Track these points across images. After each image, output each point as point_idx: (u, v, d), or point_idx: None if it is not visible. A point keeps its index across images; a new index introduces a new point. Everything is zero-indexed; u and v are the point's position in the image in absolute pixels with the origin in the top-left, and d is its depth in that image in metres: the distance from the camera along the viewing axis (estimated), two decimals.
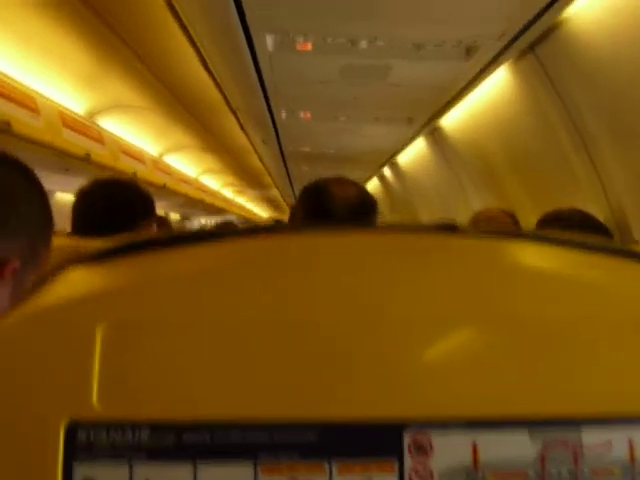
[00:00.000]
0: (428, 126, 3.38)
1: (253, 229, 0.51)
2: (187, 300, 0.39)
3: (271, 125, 3.47)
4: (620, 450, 0.39)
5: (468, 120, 3.02)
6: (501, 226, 2.29)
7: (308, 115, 3.18)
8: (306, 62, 2.28)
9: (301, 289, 0.39)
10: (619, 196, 2.07)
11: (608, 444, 0.39)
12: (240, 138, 5.16)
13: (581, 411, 0.38)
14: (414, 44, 2.09)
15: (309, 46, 2.11)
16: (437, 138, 3.60)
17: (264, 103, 2.94)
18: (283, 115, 3.18)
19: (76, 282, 0.43)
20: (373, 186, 6.36)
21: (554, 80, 2.11)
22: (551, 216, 1.74)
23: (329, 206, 1.29)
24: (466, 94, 2.68)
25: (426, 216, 4.72)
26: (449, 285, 0.39)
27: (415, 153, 4.19)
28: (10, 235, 0.59)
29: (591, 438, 0.38)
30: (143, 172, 5.79)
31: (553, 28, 1.92)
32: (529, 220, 2.79)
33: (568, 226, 1.63)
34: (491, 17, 1.84)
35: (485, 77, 2.41)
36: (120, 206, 1.33)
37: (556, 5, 1.71)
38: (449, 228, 0.50)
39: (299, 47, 2.12)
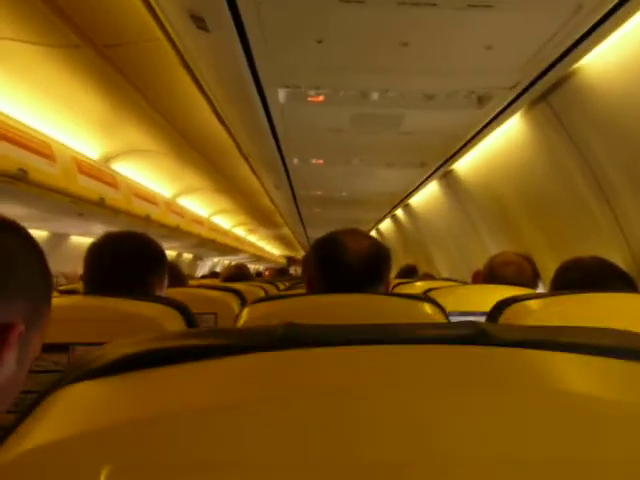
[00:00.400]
0: (441, 170, 3.38)
1: (276, 340, 0.46)
2: (208, 439, 0.34)
3: (283, 171, 3.48)
4: None
5: (481, 165, 3.01)
6: (519, 271, 2.26)
7: (320, 161, 3.19)
8: (317, 112, 2.29)
9: (333, 421, 0.35)
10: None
11: None
12: (252, 181, 5.20)
13: None
14: (425, 95, 2.09)
15: (321, 98, 2.12)
16: (450, 181, 3.59)
17: (276, 150, 2.95)
18: (295, 162, 3.19)
19: (74, 408, 0.39)
20: (385, 227, 6.35)
21: (568, 128, 2.09)
22: (570, 264, 1.69)
23: (342, 258, 1.27)
24: (479, 141, 2.67)
25: (440, 257, 4.68)
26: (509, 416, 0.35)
27: (428, 195, 4.18)
28: (11, 299, 0.58)
29: None
30: (156, 214, 5.82)
31: (566, 77, 1.92)
32: (546, 264, 2.76)
33: (588, 275, 1.58)
34: (504, 69, 1.84)
35: (497, 125, 2.41)
36: (129, 260, 1.32)
37: (568, 57, 1.70)
38: (479, 335, 0.46)
39: (311, 99, 2.13)
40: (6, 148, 2.99)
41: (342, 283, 1.22)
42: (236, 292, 2.07)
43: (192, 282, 3.23)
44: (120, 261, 1.31)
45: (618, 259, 2.05)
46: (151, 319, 1.15)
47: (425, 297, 1.38)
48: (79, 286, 2.12)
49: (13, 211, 3.67)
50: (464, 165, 3.21)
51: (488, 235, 3.42)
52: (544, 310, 1.29)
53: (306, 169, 3.39)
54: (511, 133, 2.51)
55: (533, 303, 1.30)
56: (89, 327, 1.15)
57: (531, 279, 2.34)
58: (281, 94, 2.10)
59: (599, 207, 2.15)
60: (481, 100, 2.15)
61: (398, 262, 4.93)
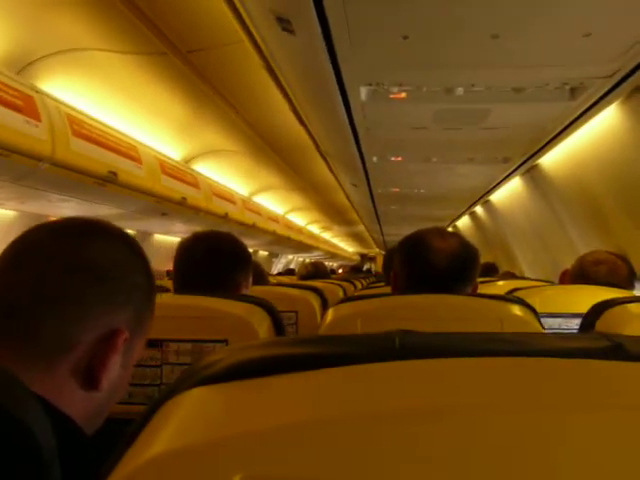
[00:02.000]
0: (525, 165, 3.24)
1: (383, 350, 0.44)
2: (334, 451, 0.33)
3: (361, 169, 3.46)
4: None
5: (570, 159, 2.86)
6: (612, 270, 2.13)
7: (399, 158, 3.14)
8: (399, 109, 2.25)
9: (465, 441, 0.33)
10: None
11: None
12: (329, 179, 5.21)
13: None
14: (513, 88, 2.01)
15: (403, 95, 2.09)
16: (535, 177, 3.44)
17: (355, 148, 2.93)
18: (374, 159, 3.16)
19: (196, 414, 0.38)
20: (463, 224, 6.20)
21: None
22: None
23: (429, 257, 1.24)
24: (569, 134, 2.54)
25: (523, 254, 4.51)
26: None
27: (510, 191, 4.03)
28: (121, 307, 0.61)
29: None
30: (234, 212, 5.96)
31: None
32: None
33: None
34: (601, 57, 1.74)
35: (591, 116, 2.28)
36: (219, 260, 1.35)
37: None
38: (615, 349, 0.42)
39: (393, 96, 2.10)
40: (97, 152, 3.15)
41: (428, 283, 1.19)
42: (315, 290, 2.08)
43: (271, 280, 3.27)
44: (210, 260, 1.34)
45: None
46: (239, 317, 1.17)
47: (515, 298, 1.33)
48: (165, 283, 2.19)
49: (102, 211, 3.87)
50: (551, 160, 3.06)
51: (576, 233, 3.26)
52: None
53: (385, 166, 3.35)
54: (605, 125, 2.36)
55: (636, 306, 1.22)
56: (180, 324, 1.18)
57: (626, 279, 2.20)
58: (363, 92, 2.08)
59: None
60: (574, 91, 2.04)
61: None
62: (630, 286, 2.35)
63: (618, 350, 0.41)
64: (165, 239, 6.35)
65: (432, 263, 1.22)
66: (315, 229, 12.31)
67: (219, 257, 1.35)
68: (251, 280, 1.49)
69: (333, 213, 9.86)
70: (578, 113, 2.24)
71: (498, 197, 4.40)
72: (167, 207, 4.44)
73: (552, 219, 3.50)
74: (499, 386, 0.37)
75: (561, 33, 1.56)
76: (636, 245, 2.60)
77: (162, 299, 1.40)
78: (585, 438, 0.31)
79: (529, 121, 2.36)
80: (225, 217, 5.66)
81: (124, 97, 3.51)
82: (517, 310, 1.18)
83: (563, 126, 2.41)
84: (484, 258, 4.81)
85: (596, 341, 0.43)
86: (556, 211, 3.40)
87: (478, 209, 5.22)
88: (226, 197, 5.97)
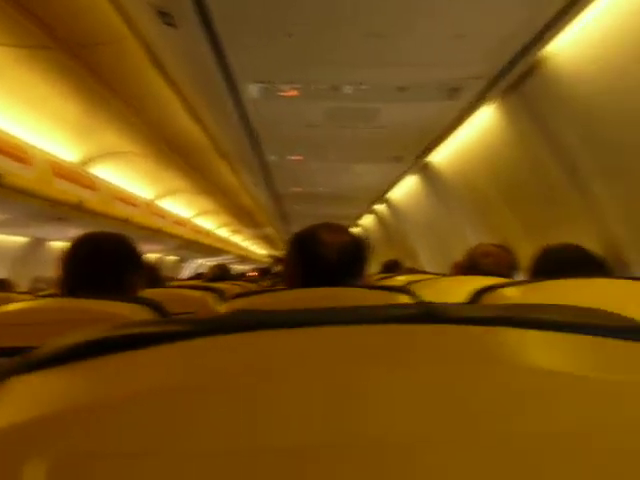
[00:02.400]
0: (418, 163, 3.39)
1: (225, 324, 0.45)
2: (131, 427, 0.34)
3: (261, 168, 3.47)
4: None
5: (458, 156, 3.03)
6: (497, 261, 2.28)
7: (298, 157, 3.18)
8: (291, 107, 2.28)
9: (261, 405, 0.35)
10: (612, 229, 2.05)
11: None
12: (232, 180, 5.18)
13: None
14: (398, 87, 2.10)
15: (294, 92, 2.12)
16: (428, 174, 3.61)
17: (252, 148, 2.94)
18: (272, 158, 3.19)
19: (12, 400, 0.39)
20: (368, 222, 6.37)
21: (540, 117, 2.11)
22: (546, 251, 1.73)
23: (320, 252, 1.27)
24: (454, 132, 2.69)
25: (422, 250, 4.70)
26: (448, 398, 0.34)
27: (407, 189, 4.19)
28: None
29: None
30: (137, 216, 5.79)
31: (535, 67, 1.93)
32: (524, 252, 2.78)
33: (564, 261, 1.61)
34: (473, 58, 1.85)
35: (471, 115, 2.42)
36: (104, 260, 1.31)
37: (532, 46, 1.72)
38: (430, 315, 0.45)
39: (283, 94, 2.13)
40: None
41: (320, 277, 1.22)
42: (216, 291, 2.07)
43: (174, 283, 3.22)
44: (95, 261, 1.30)
45: (592, 245, 2.07)
46: (124, 318, 1.15)
47: (402, 288, 1.39)
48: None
49: None
50: (441, 157, 3.22)
51: (467, 226, 3.44)
52: (521, 297, 1.31)
53: (284, 166, 3.38)
54: (485, 124, 2.52)
55: (509, 290, 1.32)
56: (61, 329, 1.13)
57: (509, 269, 2.36)
58: (253, 89, 2.09)
59: (573, 195, 2.18)
60: (453, 91, 2.16)
61: (381, 257, 4.95)
62: (512, 275, 2.53)
63: (426, 314, 0.45)
64: (65, 246, 6.04)
65: (323, 257, 1.24)
66: (225, 232, 12.17)
67: (104, 257, 1.31)
68: (144, 282, 1.46)
69: (242, 216, 9.80)
70: (459, 112, 2.37)
71: (397, 195, 4.57)
72: (62, 211, 4.23)
73: (446, 215, 3.68)
74: (299, 351, 0.40)
75: (436, 34, 1.66)
76: (516, 236, 2.79)
77: (40, 303, 1.34)
78: (389, 391, 0.33)
79: (415, 120, 2.47)
80: (126, 221, 5.48)
81: (7, 94, 3.31)
82: (403, 299, 1.24)
83: (447, 125, 2.55)
84: (388, 255, 4.97)
85: (409, 308, 0.47)
86: (449, 207, 3.58)
87: (380, 207, 5.39)
88: (128, 201, 5.78)
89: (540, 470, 0.31)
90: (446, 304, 0.53)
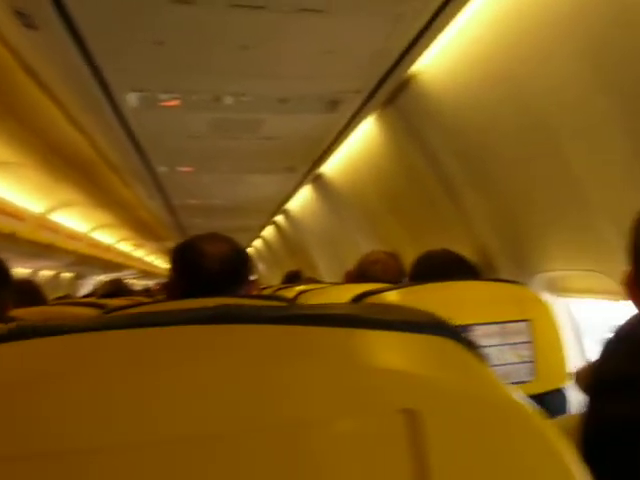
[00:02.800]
0: (310, 174, 3.45)
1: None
2: None
3: (152, 180, 3.39)
4: None
5: (346, 167, 3.12)
6: (385, 268, 2.36)
7: (188, 169, 3.14)
8: (174, 118, 2.25)
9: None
10: (482, 237, 2.18)
11: None
12: (127, 193, 5.00)
13: None
14: (279, 99, 2.13)
15: (175, 102, 2.10)
16: (321, 185, 3.68)
17: (140, 159, 2.87)
18: (162, 169, 3.12)
19: None
20: (269, 234, 6.38)
21: (414, 130, 2.22)
22: (423, 257, 1.84)
23: (200, 262, 1.26)
24: (339, 144, 2.76)
25: (321, 260, 4.77)
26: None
27: (303, 200, 4.25)
28: None
29: None
30: (24, 231, 5.45)
31: (406, 82, 2.03)
32: (410, 259, 2.90)
33: (438, 266, 1.72)
34: (347, 73, 1.92)
35: (353, 128, 2.51)
36: None
37: (402, 62, 1.81)
38: (228, 315, 0.46)
39: (164, 104, 2.10)
40: None
41: (201, 287, 1.22)
42: (99, 306, 2.00)
43: (67, 301, 3.06)
44: None
45: (465, 250, 2.20)
46: None
47: (275, 297, 1.41)
48: None
49: None
50: (331, 168, 3.30)
51: (359, 235, 3.54)
52: (398, 300, 1.38)
53: (175, 177, 3.32)
54: (368, 136, 2.62)
55: (388, 294, 1.39)
56: None
57: (397, 275, 2.45)
58: (132, 98, 2.04)
59: (448, 205, 2.30)
60: (333, 104, 2.22)
61: (285, 268, 4.97)
62: (399, 281, 2.63)
63: (223, 316, 0.46)
64: None
65: (202, 267, 1.24)
66: (126, 247, 11.72)
67: None
68: (11, 300, 1.38)
69: (142, 229, 9.48)
70: (342, 125, 2.45)
71: (294, 206, 4.62)
72: None
73: (339, 225, 3.76)
74: (106, 353, 0.39)
75: (304, 49, 1.70)
76: (403, 244, 2.90)
77: None
78: (176, 388, 0.34)
79: (301, 131, 2.52)
80: (12, 236, 5.14)
81: None
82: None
83: (333, 137, 2.62)
84: (290, 267, 5.00)
85: (202, 311, 0.48)
86: (342, 217, 3.67)
87: (279, 218, 5.42)
88: (13, 214, 5.43)
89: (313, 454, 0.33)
90: (246, 306, 0.54)
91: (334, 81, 1.99)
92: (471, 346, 0.55)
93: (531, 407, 0.36)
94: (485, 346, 1.48)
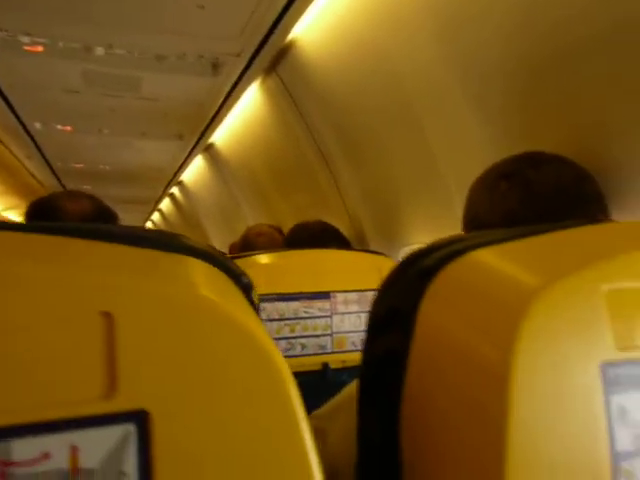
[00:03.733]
0: (200, 143, 3.37)
1: None
2: None
3: (28, 137, 3.17)
4: (60, 460, 0.33)
5: (235, 138, 3.07)
6: (270, 241, 2.36)
7: (67, 128, 2.96)
8: (41, 66, 2.11)
9: None
10: (355, 210, 2.23)
11: (46, 456, 0.33)
12: (5, 153, 4.66)
13: (11, 421, 0.33)
14: (156, 55, 2.05)
15: (39, 48, 1.96)
16: (212, 155, 3.61)
17: (9, 111, 2.67)
18: (37, 126, 2.92)
19: None
20: (166, 207, 6.19)
21: (295, 99, 2.22)
22: (298, 227, 1.89)
23: (57, 220, 1.19)
24: (226, 111, 2.71)
25: (214, 233, 4.70)
26: None
27: (197, 171, 4.15)
28: None
29: (24, 452, 0.33)
30: None
31: (286, 49, 2.02)
32: None
33: (311, 235, 1.76)
34: (225, 33, 1.88)
35: (238, 95, 2.46)
36: None
37: (279, 27, 1.79)
38: None
39: (28, 48, 1.95)
40: None
41: None
42: None
43: None
44: None
45: (342, 224, 2.24)
46: None
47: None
48: None
49: None
50: (221, 138, 3.24)
51: (250, 209, 3.52)
52: (266, 262, 1.42)
53: (54, 136, 3.13)
54: (253, 105, 2.58)
55: (257, 257, 1.44)
56: None
57: (281, 247, 2.45)
58: None
59: (327, 179, 2.33)
60: (214, 67, 2.17)
61: None
62: None
63: None
64: None
65: None
66: (15, 217, 10.96)
67: None
68: None
69: (31, 197, 8.90)
70: (226, 90, 2.40)
71: (188, 177, 4.50)
72: None
73: (229, 198, 3.71)
74: None
75: (180, 1, 1.64)
76: (285, 217, 2.91)
77: None
78: None
79: (183, 94, 2.44)
80: None
81: None
82: None
83: (218, 102, 2.56)
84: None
85: None
86: (232, 190, 3.62)
87: (175, 191, 5.28)
88: None
89: None
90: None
91: (213, 41, 1.94)
92: (227, 270, 0.56)
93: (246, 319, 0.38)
94: (345, 313, 1.54)
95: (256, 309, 0.52)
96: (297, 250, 1.57)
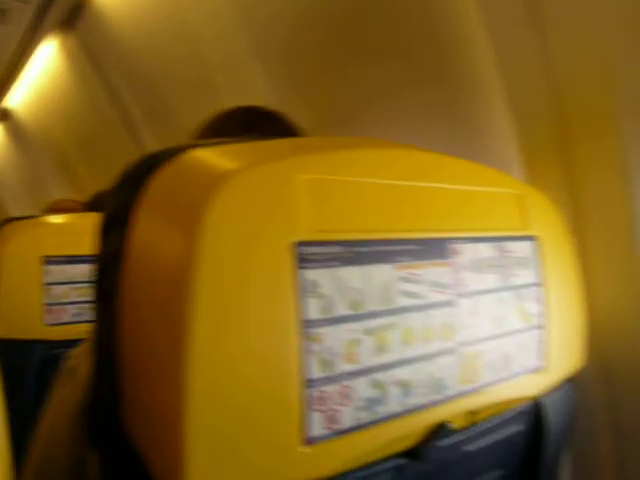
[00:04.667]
0: None
1: None
2: None
3: None
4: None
5: (35, 102, 2.81)
6: None
7: None
8: None
9: None
10: None
11: None
12: None
13: None
14: None
15: None
16: (12, 123, 3.27)
17: None
18: None
19: None
20: None
21: (95, 59, 2.09)
22: (93, 198, 1.85)
23: None
24: (19, 70, 2.47)
25: (11, 203, 4.29)
26: None
27: None
28: None
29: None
30: None
31: (84, 4, 1.89)
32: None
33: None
34: None
35: (31, 51, 2.26)
36: None
37: None
38: None
39: None
40: None
41: None
42: None
43: None
44: None
45: None
46: None
47: None
48: None
49: None
50: (20, 104, 2.95)
51: (54, 183, 3.25)
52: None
53: None
54: (52, 67, 2.39)
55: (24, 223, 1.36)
56: None
57: None
58: None
59: (130, 145, 2.23)
60: (4, 13, 1.97)
61: None
62: None
63: None
64: None
65: None
66: None
67: None
68: None
69: None
70: (16, 42, 2.18)
71: None
72: None
73: (30, 168, 3.41)
74: None
75: None
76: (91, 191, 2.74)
77: None
78: None
79: None
80: None
81: None
82: None
83: (7, 57, 2.32)
84: None
85: None
86: (33, 158, 3.32)
87: None
88: None
89: None
90: None
91: None
92: None
93: None
94: None
95: None
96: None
